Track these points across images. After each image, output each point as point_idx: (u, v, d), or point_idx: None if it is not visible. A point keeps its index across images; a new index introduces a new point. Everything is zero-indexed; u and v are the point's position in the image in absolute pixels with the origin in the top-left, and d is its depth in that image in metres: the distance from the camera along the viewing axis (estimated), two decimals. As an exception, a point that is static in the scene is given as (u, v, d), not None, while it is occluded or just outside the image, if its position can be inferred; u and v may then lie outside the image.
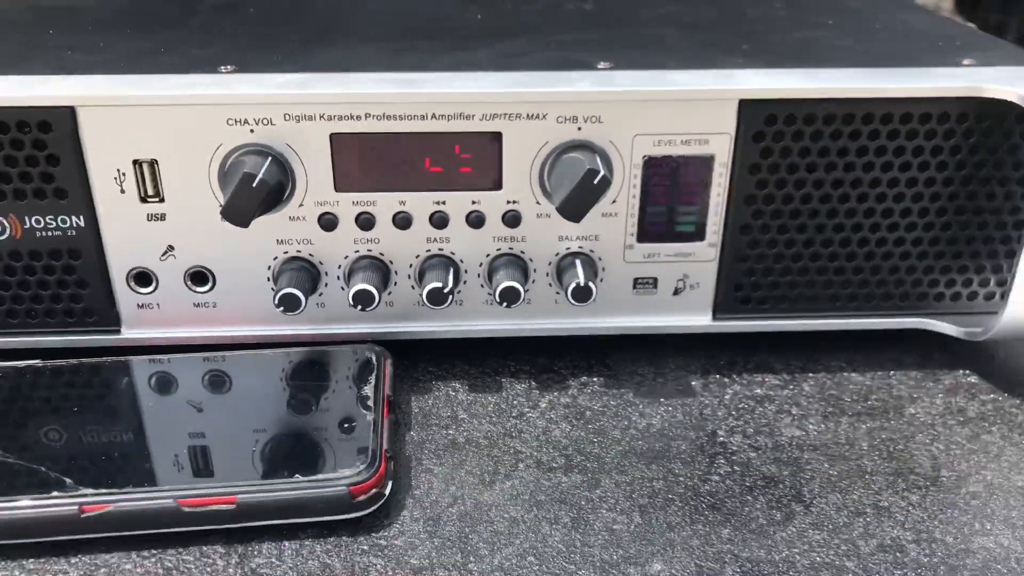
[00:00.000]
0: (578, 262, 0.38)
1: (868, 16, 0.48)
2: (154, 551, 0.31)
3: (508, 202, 0.37)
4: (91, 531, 0.30)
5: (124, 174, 0.36)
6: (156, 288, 0.39)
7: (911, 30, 0.45)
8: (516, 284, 0.37)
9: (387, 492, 0.32)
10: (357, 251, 0.38)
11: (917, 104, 0.37)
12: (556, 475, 0.34)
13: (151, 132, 0.35)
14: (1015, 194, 0.39)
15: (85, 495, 0.31)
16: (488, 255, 0.38)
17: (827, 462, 0.35)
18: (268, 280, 0.39)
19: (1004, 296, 0.38)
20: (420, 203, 0.37)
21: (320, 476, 0.32)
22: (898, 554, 0.31)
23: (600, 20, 0.46)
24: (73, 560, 0.30)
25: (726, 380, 0.40)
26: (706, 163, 0.37)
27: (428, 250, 0.38)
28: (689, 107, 0.36)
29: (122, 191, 0.37)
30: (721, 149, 0.37)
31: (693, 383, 0.40)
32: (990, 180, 0.38)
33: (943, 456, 0.36)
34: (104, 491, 0.31)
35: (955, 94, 0.36)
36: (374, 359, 0.38)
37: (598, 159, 0.36)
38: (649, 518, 0.32)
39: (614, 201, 0.38)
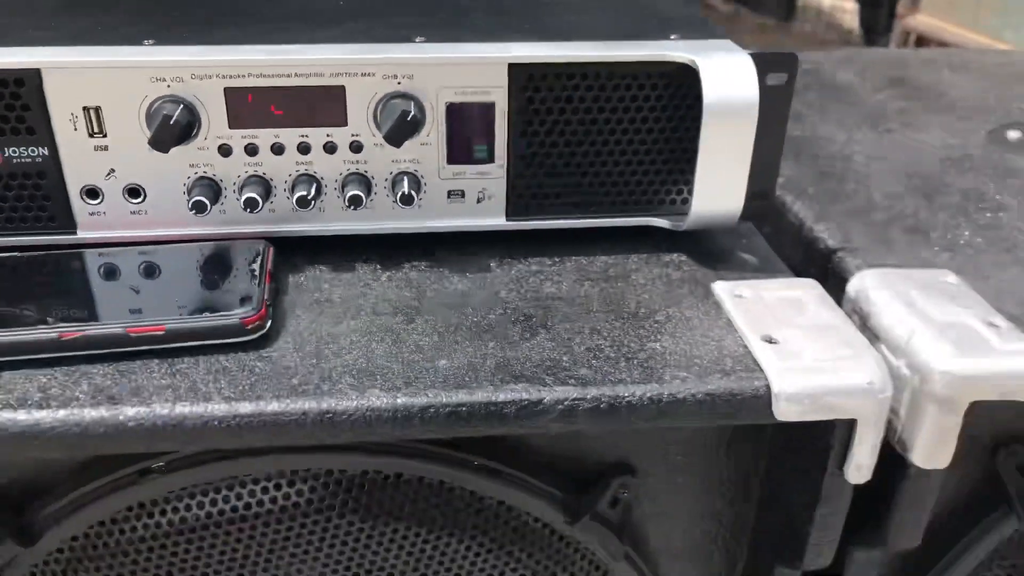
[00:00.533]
0: (405, 178, 0.55)
1: (626, 3, 0.65)
2: (111, 363, 0.46)
3: (352, 135, 0.54)
4: (68, 351, 0.46)
5: (77, 117, 0.51)
6: (102, 200, 0.54)
7: (651, 14, 0.63)
8: (360, 193, 0.54)
9: (267, 325, 0.49)
10: (246, 171, 0.54)
11: (634, 66, 0.54)
12: (385, 318, 0.51)
13: (96, 87, 0.51)
14: (696, 130, 0.56)
15: (62, 327, 0.46)
16: (340, 173, 0.55)
17: (567, 307, 0.53)
18: (184, 193, 0.54)
19: (689, 200, 0.56)
20: (290, 136, 0.53)
21: (221, 314, 0.48)
22: (597, 352, 0.48)
23: (427, 8, 0.62)
24: (56, 368, 0.46)
25: (513, 262, 0.58)
26: (490, 108, 0.54)
27: (297, 170, 0.54)
28: (475, 69, 0.53)
29: (75, 129, 0.52)
30: (500, 99, 0.54)
31: (491, 264, 0.57)
32: (684, 121, 0.56)
33: (645, 302, 0.54)
34: (75, 324, 0.46)
35: (657, 59, 0.54)
36: (261, 248, 0.54)
37: (412, 104, 0.52)
38: (444, 339, 0.49)
39: (428, 135, 0.54)
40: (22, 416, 0.42)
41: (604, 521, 0.54)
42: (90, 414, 0.43)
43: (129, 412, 0.43)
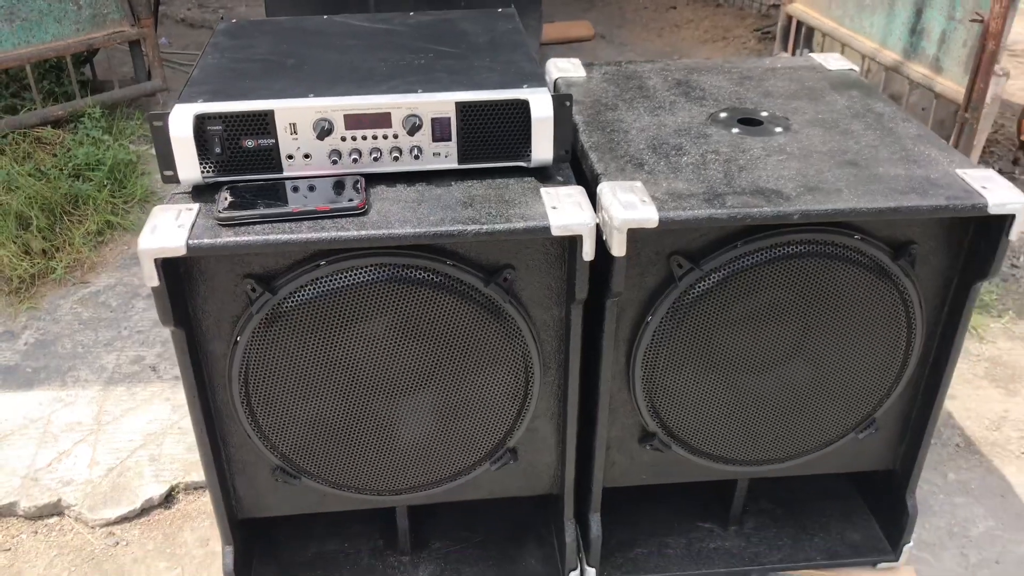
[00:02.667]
0: (416, 149, 1.35)
1: (505, 67, 1.44)
2: (307, 221, 1.27)
3: (395, 133, 1.34)
4: (290, 218, 1.27)
5: (286, 127, 1.31)
6: (293, 159, 1.35)
7: (516, 72, 1.42)
8: (398, 155, 1.34)
9: (366, 208, 1.30)
10: (353, 146, 1.35)
11: (507, 101, 1.34)
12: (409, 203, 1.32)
13: (294, 114, 1.31)
14: (529, 127, 1.36)
15: (288, 208, 1.27)
16: (390, 147, 1.35)
17: (483, 197, 1.34)
18: (327, 156, 1.35)
19: (530, 155, 1.37)
20: (369, 133, 1.34)
21: (347, 202, 1.29)
22: (490, 214, 1.29)
23: (419, 71, 1.41)
24: (286, 224, 1.27)
25: (460, 181, 1.38)
26: (448, 120, 1.34)
27: (373, 145, 1.35)
28: (443, 104, 1.33)
29: (285, 131, 1.32)
30: (452, 115, 1.34)
31: (450, 181, 1.37)
32: (526, 123, 1.36)
33: (511, 197, 1.34)
34: (290, 207, 1.28)
35: (515, 97, 1.34)
36: (360, 177, 1.35)
37: (417, 119, 1.32)
38: (437, 214, 1.30)
39: (424, 131, 1.34)
40: (272, 237, 1.23)
41: (499, 284, 1.36)
42: (300, 237, 1.24)
43: (313, 236, 1.24)
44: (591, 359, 1.50)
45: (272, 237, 1.24)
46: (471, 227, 1.27)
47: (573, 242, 1.32)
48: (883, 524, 1.77)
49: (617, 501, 1.79)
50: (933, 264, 1.46)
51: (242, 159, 1.33)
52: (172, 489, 1.92)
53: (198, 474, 1.93)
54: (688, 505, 1.83)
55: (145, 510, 1.88)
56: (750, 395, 1.53)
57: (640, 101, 1.68)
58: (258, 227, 1.26)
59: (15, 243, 2.42)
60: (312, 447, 1.48)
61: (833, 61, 1.89)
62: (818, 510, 1.82)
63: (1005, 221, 1.35)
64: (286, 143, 1.33)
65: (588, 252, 1.31)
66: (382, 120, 1.33)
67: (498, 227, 1.27)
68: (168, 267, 1.27)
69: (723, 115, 1.62)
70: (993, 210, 1.34)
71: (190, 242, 1.23)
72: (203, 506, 1.90)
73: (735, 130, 1.56)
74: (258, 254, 1.32)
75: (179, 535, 1.84)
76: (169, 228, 1.25)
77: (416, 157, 1.35)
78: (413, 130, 1.33)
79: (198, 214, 1.29)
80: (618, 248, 1.31)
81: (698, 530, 1.78)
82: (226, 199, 1.29)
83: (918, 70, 2.57)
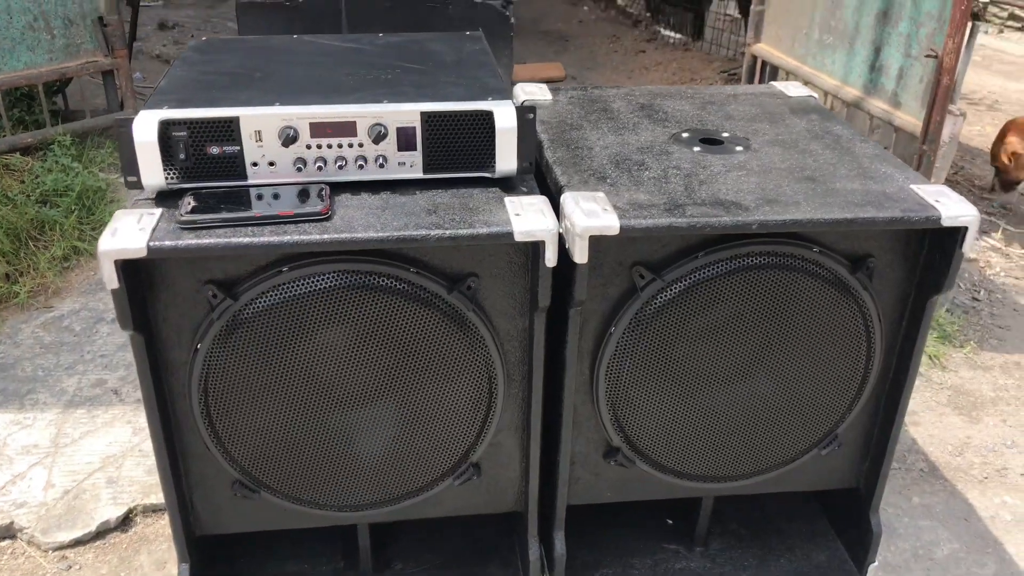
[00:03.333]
0: (381, 158, 1.36)
1: (471, 81, 1.47)
2: (270, 226, 1.27)
3: (360, 142, 1.35)
4: (255, 223, 1.27)
5: (251, 135, 1.32)
6: (258, 167, 1.35)
7: (481, 86, 1.44)
8: (363, 163, 1.35)
9: (329, 214, 1.30)
10: (318, 154, 1.35)
11: (471, 112, 1.35)
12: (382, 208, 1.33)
13: (259, 123, 1.31)
14: (494, 138, 1.38)
15: (252, 213, 1.27)
16: (355, 156, 1.36)
17: (449, 205, 1.35)
18: (292, 163, 1.35)
19: (494, 165, 1.38)
20: (334, 141, 1.35)
21: (311, 208, 1.29)
22: (449, 217, 1.30)
23: (384, 83, 1.43)
24: (249, 229, 1.27)
25: (426, 191, 1.39)
26: (414, 130, 1.35)
27: (338, 154, 1.36)
28: (408, 114, 1.34)
29: (250, 138, 1.32)
30: (417, 125, 1.35)
31: (414, 190, 1.38)
32: (491, 133, 1.38)
33: (475, 205, 1.35)
34: (255, 213, 1.28)
35: (478, 108, 1.36)
36: (324, 186, 1.36)
37: (383, 128, 1.33)
38: (393, 216, 1.31)
39: (389, 140, 1.36)
40: (234, 240, 1.23)
41: (463, 292, 1.36)
42: (262, 240, 1.24)
43: (275, 240, 1.24)
44: (555, 371, 1.50)
45: (234, 240, 1.24)
46: (434, 232, 1.28)
47: (536, 249, 1.33)
48: (848, 545, 1.77)
49: (582, 522, 1.77)
50: (890, 278, 1.49)
51: (206, 166, 1.34)
52: (130, 512, 1.88)
53: (157, 496, 1.90)
54: (654, 526, 1.82)
55: (100, 533, 1.84)
56: (713, 409, 1.54)
57: (604, 122, 1.71)
58: (220, 231, 1.26)
59: (-23, 267, 2.39)
60: (272, 460, 1.46)
61: (794, 88, 1.94)
62: (784, 531, 1.82)
63: (958, 233, 1.38)
64: (251, 150, 1.34)
65: (550, 258, 1.32)
66: (347, 129, 1.34)
67: (461, 232, 1.28)
68: (128, 271, 1.26)
69: (685, 135, 1.66)
70: (946, 222, 1.37)
71: (151, 244, 1.23)
72: (162, 529, 1.86)
73: (696, 148, 1.59)
74: (220, 259, 1.31)
75: (135, 559, 1.80)
76: (130, 231, 1.24)
77: (381, 166, 1.37)
78: (378, 139, 1.34)
79: (160, 218, 1.29)
80: (580, 255, 1.32)
81: (664, 551, 1.77)
82: (189, 203, 1.29)
83: (878, 105, 2.64)
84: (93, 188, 2.74)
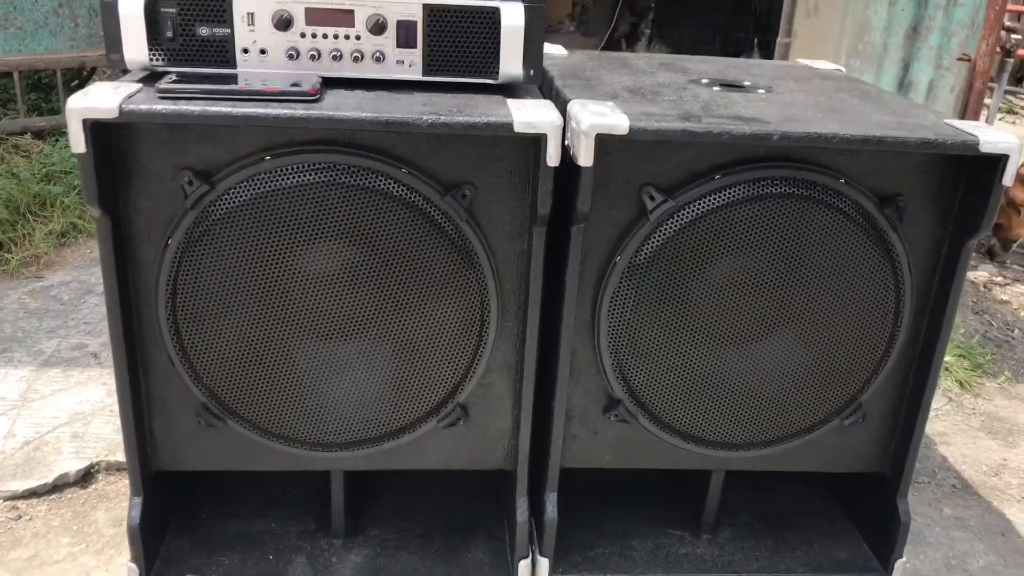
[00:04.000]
0: (379, 53, 1.28)
1: None
2: (258, 103, 1.19)
3: (357, 33, 1.27)
4: (246, 96, 1.19)
5: (243, 17, 1.25)
6: (248, 54, 1.27)
7: None
8: (359, 57, 1.27)
9: (319, 95, 1.21)
10: (312, 44, 1.28)
11: (472, 8, 1.28)
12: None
13: (253, 4, 1.25)
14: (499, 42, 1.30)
15: (247, 91, 1.19)
16: (351, 48, 1.28)
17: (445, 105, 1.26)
18: (284, 53, 1.28)
19: (497, 70, 1.30)
20: (330, 31, 1.27)
21: (301, 89, 1.21)
22: (456, 109, 1.21)
23: None
24: (242, 104, 1.18)
25: (422, 93, 1.30)
26: (414, 24, 1.28)
27: (333, 45, 1.28)
28: (411, 6, 1.27)
29: (242, 21, 1.25)
30: (419, 18, 1.28)
31: (412, 91, 1.30)
32: (496, 36, 1.30)
33: (477, 107, 1.26)
34: (248, 89, 1.19)
35: (482, 5, 1.28)
36: (317, 78, 1.28)
37: (383, 18, 1.26)
38: (389, 104, 1.22)
39: (388, 34, 1.28)
40: (212, 109, 1.15)
41: (457, 202, 1.26)
42: (242, 111, 1.15)
43: (256, 111, 1.15)
44: (554, 308, 1.38)
45: (211, 109, 1.16)
46: (426, 117, 1.18)
47: (538, 149, 1.23)
48: (872, 541, 1.60)
49: (579, 501, 1.62)
50: (922, 223, 1.37)
51: (194, 48, 1.26)
52: (92, 467, 1.74)
53: (123, 454, 1.76)
54: (657, 512, 1.66)
55: (58, 487, 1.70)
56: (725, 362, 1.40)
57: (621, 70, 1.63)
58: (200, 102, 1.17)
59: (-29, 231, 2.33)
60: (241, 382, 1.34)
61: (822, 64, 1.86)
62: (801, 526, 1.65)
63: (998, 163, 1.27)
64: (242, 34, 1.26)
65: (552, 156, 1.21)
66: (345, 18, 1.27)
67: (456, 119, 1.19)
68: (99, 139, 1.17)
69: (705, 81, 1.57)
70: (985, 148, 1.26)
71: (123, 106, 1.14)
72: (124, 488, 1.72)
73: (716, 88, 1.51)
74: (199, 143, 1.22)
75: (91, 514, 1.66)
76: (104, 93, 1.16)
77: (378, 61, 1.29)
78: (377, 30, 1.26)
79: (140, 90, 1.21)
80: (585, 156, 1.22)
81: (667, 536, 1.60)
82: (172, 77, 1.21)
83: (907, 121, 2.56)
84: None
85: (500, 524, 1.59)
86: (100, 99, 1.14)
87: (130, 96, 1.17)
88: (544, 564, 1.47)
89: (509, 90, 1.33)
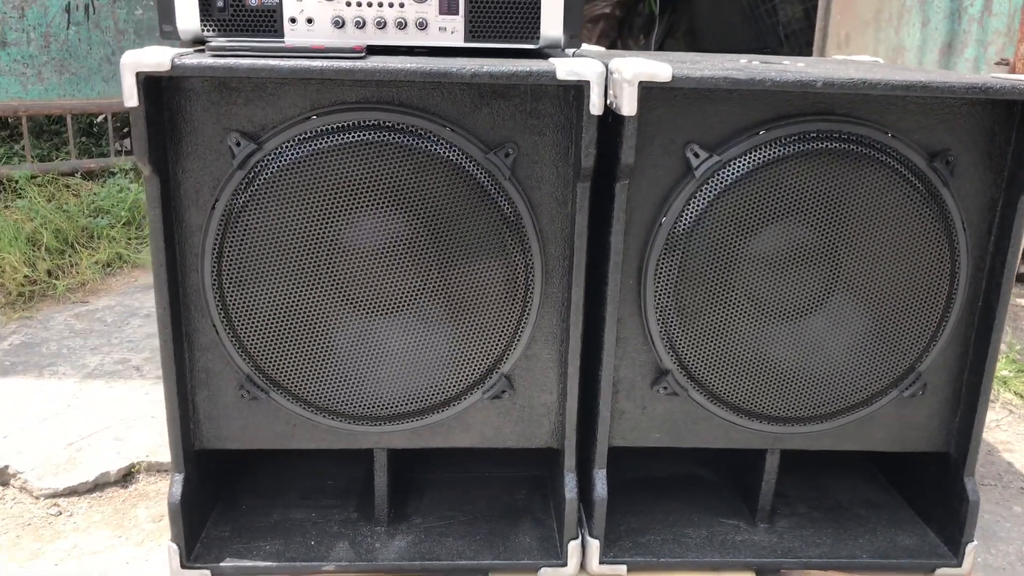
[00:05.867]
0: (424, 19, 1.31)
1: None
2: (322, 58, 1.21)
3: (402, 5, 1.30)
4: (306, 53, 1.21)
5: (292, -13, 1.29)
6: (296, 23, 1.31)
7: None
8: (403, 23, 1.30)
9: (364, 53, 1.24)
10: (358, 12, 1.31)
11: None
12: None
13: (301, -25, 1.29)
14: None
15: (305, 50, 1.22)
16: (395, 16, 1.31)
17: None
18: (331, 22, 1.31)
19: (538, 35, 1.31)
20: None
21: (352, 50, 1.23)
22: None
23: None
24: (303, 58, 1.21)
25: (468, 59, 1.32)
26: (457, -9, 1.31)
27: (379, 13, 1.31)
28: None
29: (290, -7, 1.29)
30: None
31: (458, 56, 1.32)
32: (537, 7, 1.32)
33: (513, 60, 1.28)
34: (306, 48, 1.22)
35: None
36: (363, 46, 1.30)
37: (425, -14, 1.29)
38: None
39: (430, 1, 1.31)
40: (260, 62, 1.17)
41: (499, 160, 1.26)
42: (288, 64, 1.17)
43: (302, 64, 1.17)
44: (599, 275, 1.36)
45: (261, 62, 1.18)
46: (469, 67, 1.20)
47: (580, 101, 1.23)
48: (939, 528, 1.52)
49: (629, 489, 1.57)
50: (973, 179, 1.34)
51: (244, 19, 1.30)
52: (132, 467, 1.72)
53: (164, 455, 1.74)
54: (709, 502, 1.59)
55: (99, 485, 1.68)
56: (777, 330, 1.37)
57: (660, 57, 1.65)
58: (249, 57, 1.20)
59: (22, 254, 2.37)
60: (286, 351, 1.32)
61: (861, 57, 1.87)
62: (862, 516, 1.57)
63: (1050, 109, 1.25)
64: (289, 4, 1.30)
65: (596, 103, 1.22)
66: (390, -16, 1.30)
67: (499, 69, 1.20)
68: (152, 107, 1.20)
69: (744, 59, 1.58)
70: (1036, 92, 1.24)
71: (176, 60, 1.17)
72: (164, 488, 1.70)
73: (756, 62, 1.51)
74: (247, 104, 1.25)
75: (131, 511, 1.63)
76: (158, 51, 1.19)
77: (421, 28, 1.31)
78: (420, -5, 1.29)
79: (192, 52, 1.24)
80: (629, 105, 1.22)
81: (721, 524, 1.53)
82: (223, 41, 1.24)
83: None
84: (142, 203, 2.74)
85: (547, 512, 1.54)
86: (153, 55, 1.17)
87: (182, 54, 1.20)
88: (594, 546, 1.41)
89: (550, 56, 1.35)
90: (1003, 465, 1.96)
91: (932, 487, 1.53)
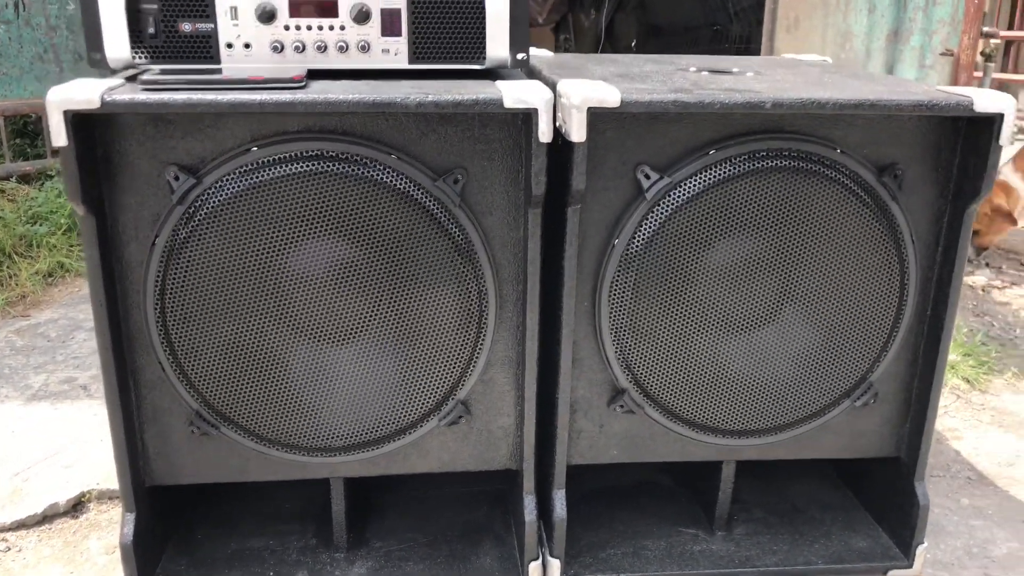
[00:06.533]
0: (364, 41, 1.27)
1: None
2: (251, 91, 1.17)
3: (341, 24, 1.26)
4: (235, 86, 1.17)
5: (227, 11, 1.24)
6: (233, 48, 1.26)
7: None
8: (343, 46, 1.26)
9: (304, 82, 1.19)
10: (296, 36, 1.26)
11: (461, -3, 1.27)
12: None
13: (235, 1, 1.24)
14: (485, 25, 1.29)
15: (256, 82, 1.17)
16: (336, 39, 1.27)
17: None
18: (268, 47, 1.26)
19: (484, 55, 1.28)
20: (314, 22, 1.26)
21: (287, 79, 1.19)
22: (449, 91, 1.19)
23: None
24: (241, 92, 1.16)
25: (408, 82, 1.29)
26: (397, 11, 1.27)
27: (318, 36, 1.27)
28: (393, -5, 1.26)
29: (225, 15, 1.24)
30: (403, 8, 1.27)
31: (399, 80, 1.28)
32: (481, 19, 1.29)
33: (462, 88, 1.25)
34: (248, 80, 1.17)
35: (471, -6, 1.27)
36: (303, 69, 1.26)
37: (366, 7, 1.25)
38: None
39: (373, 22, 1.27)
40: (196, 97, 1.13)
41: (448, 187, 1.24)
42: (227, 99, 1.13)
43: (241, 98, 1.13)
44: (553, 299, 1.35)
45: (197, 97, 1.14)
46: (414, 96, 1.17)
47: (529, 128, 1.21)
48: (891, 529, 1.55)
49: (588, 502, 1.57)
50: (921, 192, 1.35)
51: (178, 45, 1.25)
52: (83, 496, 1.68)
53: (115, 483, 1.70)
54: (667, 511, 1.60)
55: (48, 517, 1.64)
56: (730, 346, 1.37)
57: (608, 64, 1.63)
58: (184, 91, 1.15)
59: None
60: (235, 385, 1.29)
61: (809, 56, 1.86)
62: (817, 519, 1.60)
63: (993, 124, 1.26)
64: (225, 29, 1.25)
65: (544, 131, 1.20)
66: (328, 8, 1.26)
67: (444, 97, 1.17)
68: (83, 145, 1.15)
69: (693, 68, 1.57)
70: (979, 108, 1.24)
71: (105, 97, 1.12)
72: (117, 516, 1.66)
73: (704, 73, 1.50)
74: (184, 138, 1.20)
75: (82, 543, 1.59)
76: (86, 85, 1.14)
77: (364, 51, 1.27)
78: (361, 19, 1.25)
79: (122, 84, 1.19)
80: (578, 132, 1.20)
81: (680, 534, 1.55)
82: (156, 72, 1.20)
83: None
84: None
85: (508, 530, 1.53)
86: (81, 91, 1.12)
87: (112, 88, 1.15)
88: (555, 565, 1.41)
89: (497, 75, 1.32)
90: (951, 455, 2.01)
91: (884, 489, 1.56)
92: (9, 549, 1.57)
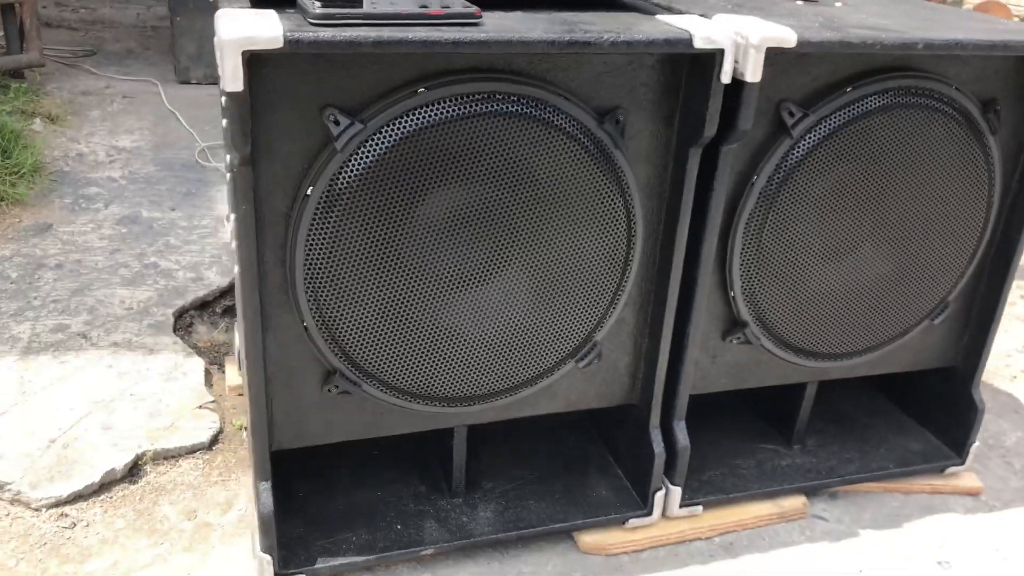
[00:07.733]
0: None
1: None
2: (421, 25, 1.06)
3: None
4: (404, 19, 1.05)
5: None
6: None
7: None
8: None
9: (481, 17, 1.10)
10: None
11: None
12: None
13: None
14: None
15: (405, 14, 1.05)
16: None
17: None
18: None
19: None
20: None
21: (463, 8, 1.08)
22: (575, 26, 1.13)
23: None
24: (411, 29, 1.05)
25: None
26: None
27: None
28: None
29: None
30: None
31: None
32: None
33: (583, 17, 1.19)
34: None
35: None
36: (454, -1, 1.15)
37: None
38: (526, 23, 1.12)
39: None
40: (386, 34, 1.01)
41: (612, 128, 1.19)
42: (418, 36, 1.02)
43: (433, 36, 1.03)
44: (673, 235, 1.34)
45: (386, 35, 1.02)
46: (607, 36, 1.10)
47: (692, 72, 1.18)
48: (940, 431, 1.70)
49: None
50: (1009, 124, 1.44)
51: (318, -32, 1.10)
52: (138, 459, 1.54)
53: (168, 441, 1.58)
54: (746, 429, 1.68)
55: (105, 485, 1.50)
56: (842, 275, 1.43)
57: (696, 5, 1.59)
58: (369, 28, 1.03)
59: None
60: (379, 340, 1.22)
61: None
62: (871, 426, 1.73)
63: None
64: None
65: (727, 71, 1.17)
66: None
67: (638, 37, 1.11)
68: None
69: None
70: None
71: (287, 35, 0.98)
72: (179, 477, 1.54)
73: (799, 2, 1.50)
74: (343, 75, 1.08)
75: (155, 510, 1.47)
76: (255, 21, 0.99)
77: None
78: None
79: (279, 17, 1.04)
80: (753, 72, 1.18)
81: (763, 451, 1.64)
82: (315, 3, 1.05)
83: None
84: (9, 128, 2.33)
85: (605, 459, 1.56)
86: (259, 28, 0.97)
87: (292, 28, 1.01)
88: (676, 493, 1.46)
89: (615, 5, 1.27)
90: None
91: (933, 395, 1.70)
92: (75, 524, 1.43)
